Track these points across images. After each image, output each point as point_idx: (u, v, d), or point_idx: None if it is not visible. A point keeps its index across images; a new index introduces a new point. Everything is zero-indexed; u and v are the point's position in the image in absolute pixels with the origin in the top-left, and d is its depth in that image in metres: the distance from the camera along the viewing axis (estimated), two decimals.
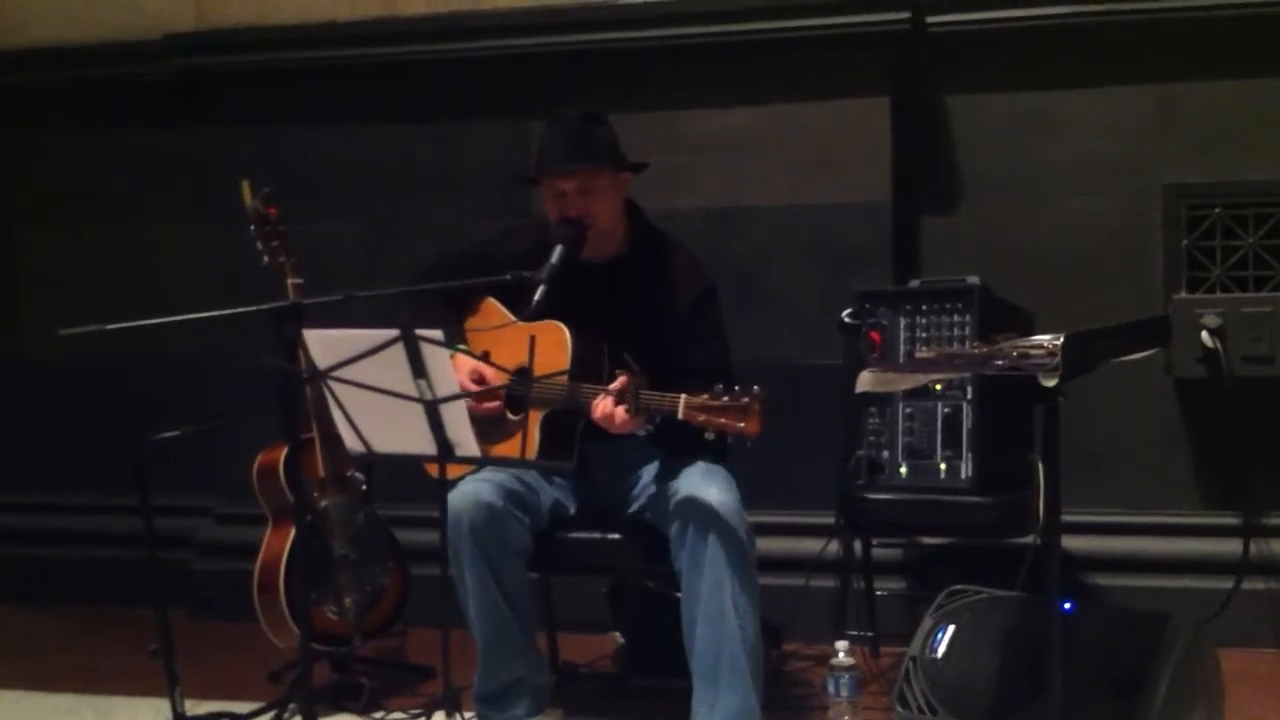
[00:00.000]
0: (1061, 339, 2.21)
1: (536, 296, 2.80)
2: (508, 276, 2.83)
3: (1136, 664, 2.62)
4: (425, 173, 4.07)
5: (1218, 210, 3.60)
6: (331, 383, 2.56)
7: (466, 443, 2.51)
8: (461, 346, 2.97)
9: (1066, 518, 2.49)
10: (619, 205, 3.02)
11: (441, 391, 2.46)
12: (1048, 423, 2.36)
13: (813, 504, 3.63)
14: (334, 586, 3.28)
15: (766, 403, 2.55)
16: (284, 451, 3.24)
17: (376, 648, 3.54)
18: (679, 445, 2.86)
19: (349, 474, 3.33)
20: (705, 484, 2.77)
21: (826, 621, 3.49)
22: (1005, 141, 3.74)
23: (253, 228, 3.22)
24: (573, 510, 3.03)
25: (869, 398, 3.18)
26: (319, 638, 3.23)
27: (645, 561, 2.99)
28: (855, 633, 3.42)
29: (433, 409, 2.48)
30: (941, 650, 2.86)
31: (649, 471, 3.00)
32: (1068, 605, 2.62)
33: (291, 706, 3.16)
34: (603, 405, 2.72)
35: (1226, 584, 3.52)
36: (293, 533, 3.24)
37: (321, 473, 3.28)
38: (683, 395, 2.61)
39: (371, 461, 3.21)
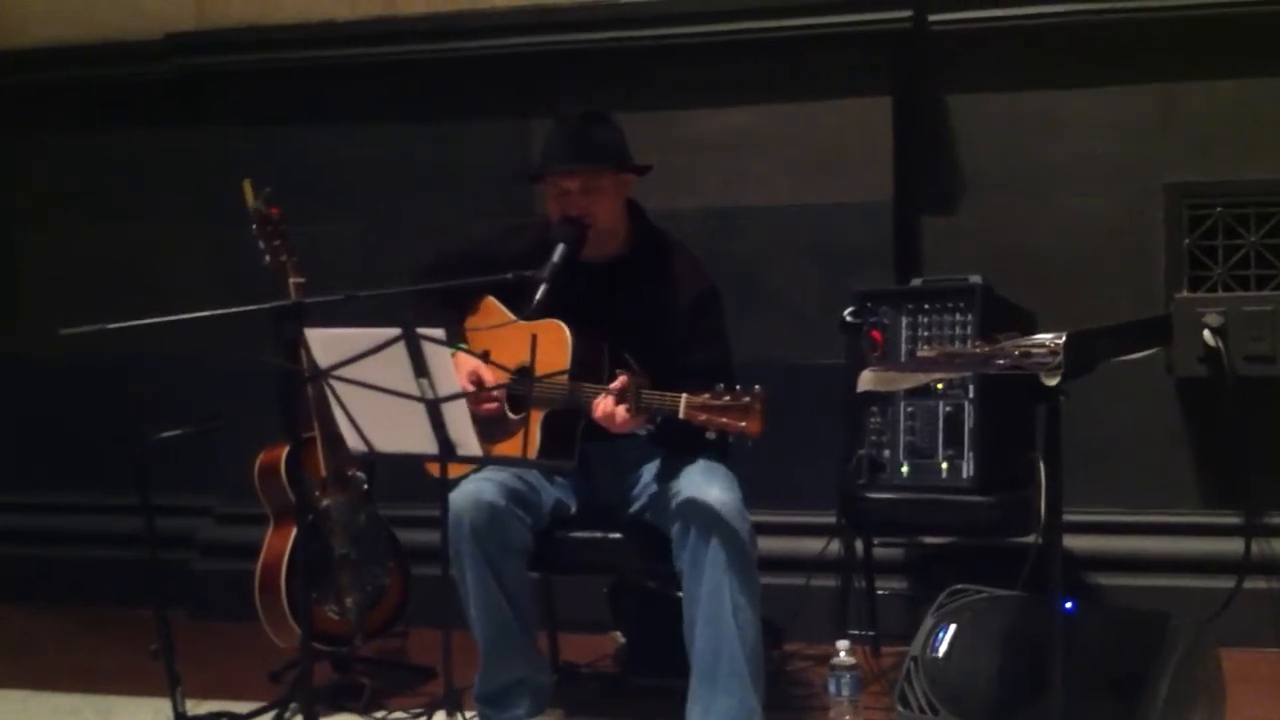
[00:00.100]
0: (1063, 338, 2.21)
1: (538, 295, 2.80)
2: (509, 275, 2.83)
3: (1138, 664, 2.62)
4: (425, 173, 4.07)
5: (1219, 209, 3.60)
6: (333, 382, 2.56)
7: (468, 442, 2.51)
8: (463, 346, 2.96)
9: (1068, 517, 2.49)
10: (621, 206, 3.02)
11: (443, 390, 2.46)
12: (1050, 422, 2.36)
13: (814, 503, 3.64)
14: (335, 586, 3.28)
15: (767, 402, 2.55)
16: (285, 451, 3.25)
17: (377, 648, 3.54)
18: (680, 445, 2.86)
19: (350, 473, 3.33)
20: (707, 484, 2.77)
21: (827, 621, 3.49)
22: (1006, 141, 3.74)
23: (255, 227, 3.22)
24: (574, 509, 3.03)
25: (870, 397, 3.18)
26: (320, 637, 3.23)
27: (646, 561, 2.99)
28: (856, 632, 3.42)
29: (434, 408, 2.48)
30: (943, 650, 2.86)
31: (649, 471, 3.00)
32: (1069, 605, 2.63)
33: (292, 706, 3.17)
34: (603, 404, 2.72)
35: (1228, 583, 3.52)
36: (294, 532, 3.24)
37: (323, 472, 3.28)
38: (684, 395, 2.61)
39: (373, 461, 3.21)
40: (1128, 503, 3.70)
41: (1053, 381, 2.23)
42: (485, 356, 2.93)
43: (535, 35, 3.89)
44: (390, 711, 3.26)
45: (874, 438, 3.24)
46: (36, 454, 4.50)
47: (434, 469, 2.63)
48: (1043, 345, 2.24)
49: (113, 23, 4.25)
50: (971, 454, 3.12)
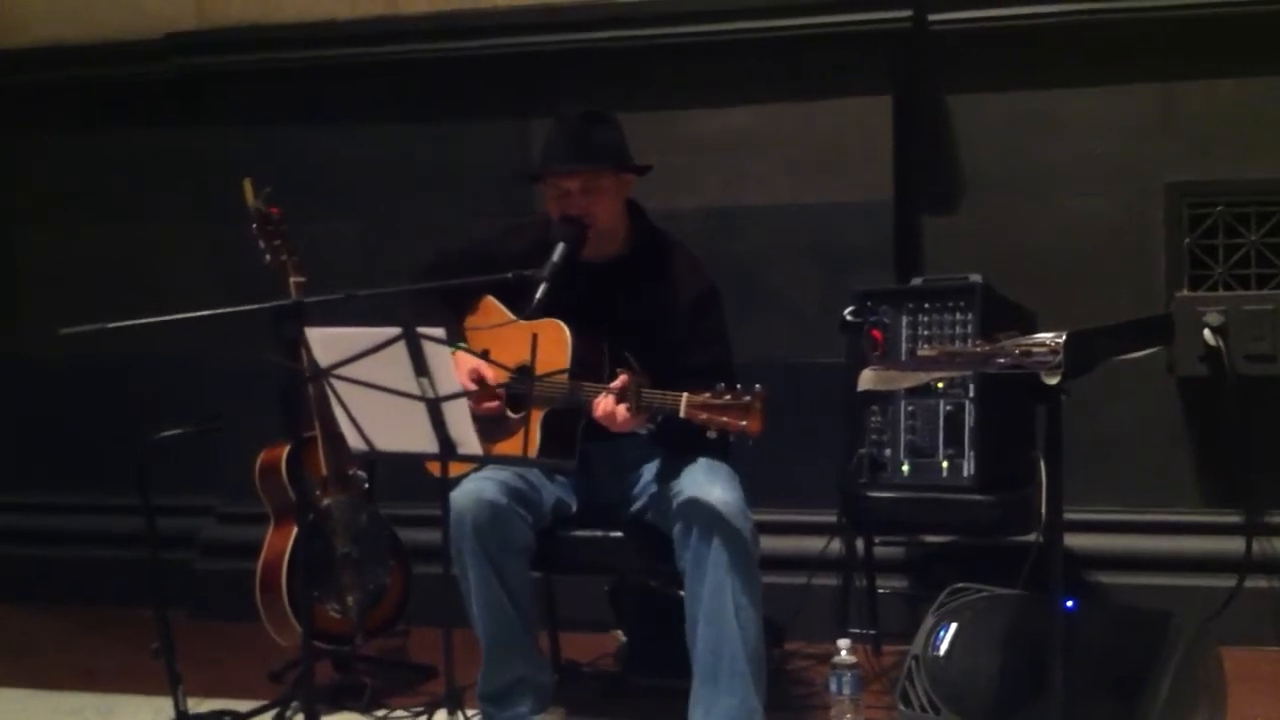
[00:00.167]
0: (1063, 337, 2.21)
1: (538, 294, 2.80)
2: (509, 275, 2.83)
3: (1139, 662, 2.62)
4: (425, 172, 4.07)
5: (1220, 208, 3.60)
6: (334, 381, 2.56)
7: (469, 441, 2.51)
8: (462, 345, 2.96)
9: (1068, 516, 2.49)
10: (621, 205, 3.02)
11: (444, 390, 2.46)
12: (1050, 421, 2.36)
13: (814, 503, 3.64)
14: (336, 585, 3.28)
15: (768, 401, 2.54)
16: (286, 450, 3.25)
17: (379, 647, 3.54)
18: (680, 444, 2.86)
19: (351, 472, 3.33)
20: (709, 483, 2.77)
21: (828, 620, 3.50)
22: (1006, 140, 3.74)
23: (255, 226, 3.22)
24: (574, 508, 3.03)
25: (871, 396, 3.18)
26: (321, 636, 3.23)
27: (647, 561, 2.99)
28: (857, 631, 3.43)
29: (435, 407, 2.48)
30: (943, 648, 2.86)
31: (649, 471, 3.00)
32: (1070, 603, 2.62)
33: (294, 705, 3.17)
34: (604, 403, 2.72)
35: (1229, 582, 3.52)
36: (295, 531, 3.24)
37: (324, 471, 3.28)
38: (684, 394, 2.61)
39: (374, 460, 3.21)
40: (1128, 502, 3.70)
41: (1053, 380, 2.23)
42: (485, 356, 2.93)
43: (536, 35, 3.89)
44: (391, 710, 3.26)
45: (874, 437, 3.24)
46: (37, 454, 4.50)
47: (434, 468, 2.63)
48: (1043, 344, 2.24)
49: (113, 22, 4.26)
50: (972, 453, 3.12)
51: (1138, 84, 3.64)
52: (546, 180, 2.98)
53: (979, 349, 2.46)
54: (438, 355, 2.44)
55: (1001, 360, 2.30)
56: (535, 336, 2.57)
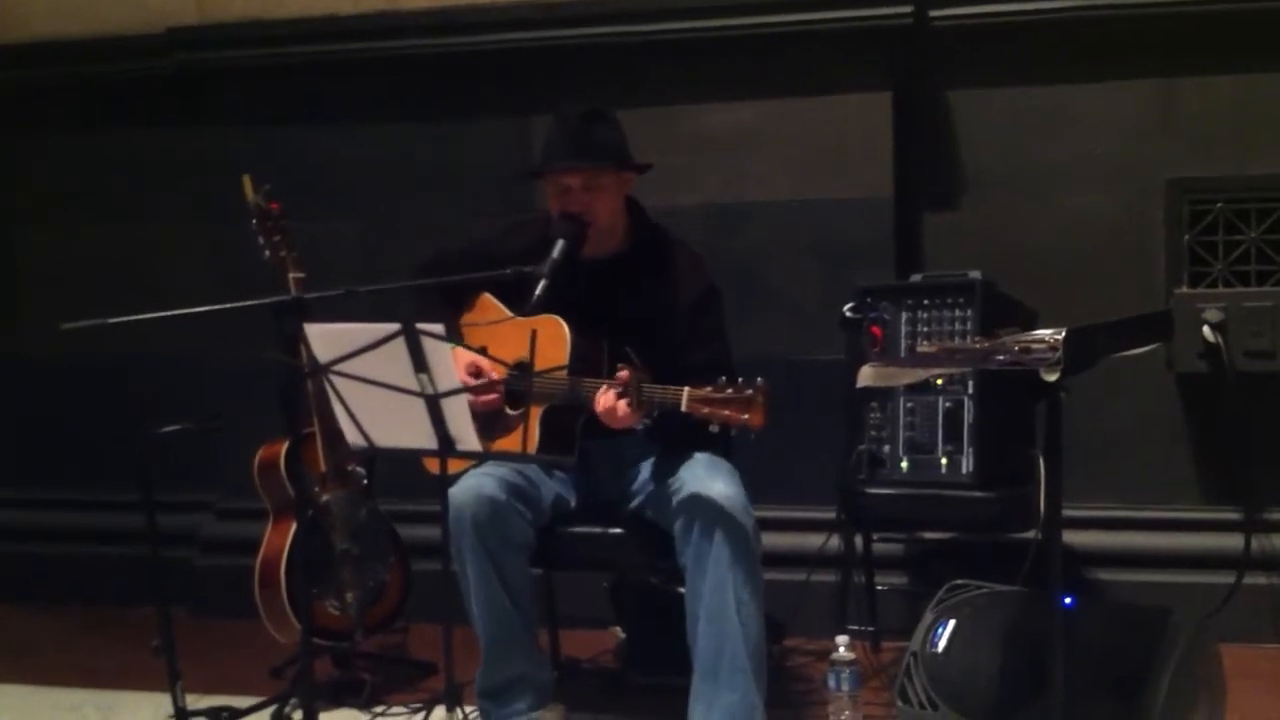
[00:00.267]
0: (1063, 334, 2.20)
1: (538, 291, 2.80)
2: (508, 271, 2.83)
3: (1138, 660, 2.62)
4: (425, 172, 4.07)
5: (1220, 205, 3.60)
6: (333, 377, 2.56)
7: (468, 437, 2.51)
8: (461, 342, 2.96)
9: (1068, 513, 2.49)
10: (621, 203, 3.02)
11: (443, 386, 2.46)
12: (1050, 418, 2.36)
13: (814, 499, 3.63)
14: (335, 582, 3.28)
15: (770, 395, 2.54)
16: (285, 446, 3.25)
17: (378, 643, 3.54)
18: (678, 440, 2.86)
19: (350, 469, 3.33)
20: (710, 479, 2.77)
21: (827, 616, 3.50)
22: (1007, 138, 3.74)
23: (254, 222, 3.22)
24: (574, 504, 3.03)
25: (870, 392, 3.18)
26: (320, 633, 3.23)
27: (647, 557, 2.99)
28: (856, 627, 3.43)
29: (434, 403, 2.48)
30: (942, 645, 2.86)
31: (648, 467, 3.00)
32: (1069, 600, 2.61)
33: (293, 702, 3.17)
34: (605, 398, 2.72)
35: (1228, 579, 3.52)
36: (294, 528, 3.24)
37: (323, 467, 3.28)
38: (686, 388, 2.60)
39: (373, 456, 3.21)
40: (1128, 498, 3.70)
41: (1053, 377, 2.22)
42: (483, 353, 2.93)
43: (535, 30, 3.89)
44: (390, 707, 3.26)
45: (874, 433, 3.24)
46: (37, 453, 4.50)
47: (433, 464, 2.63)
48: (1043, 341, 2.23)
49: (114, 18, 4.25)
50: (971, 449, 3.12)
51: (1138, 80, 3.64)
52: (547, 177, 2.98)
53: (978, 346, 2.47)
54: (437, 351, 2.44)
55: (1001, 357, 2.30)
56: (534, 333, 2.56)
